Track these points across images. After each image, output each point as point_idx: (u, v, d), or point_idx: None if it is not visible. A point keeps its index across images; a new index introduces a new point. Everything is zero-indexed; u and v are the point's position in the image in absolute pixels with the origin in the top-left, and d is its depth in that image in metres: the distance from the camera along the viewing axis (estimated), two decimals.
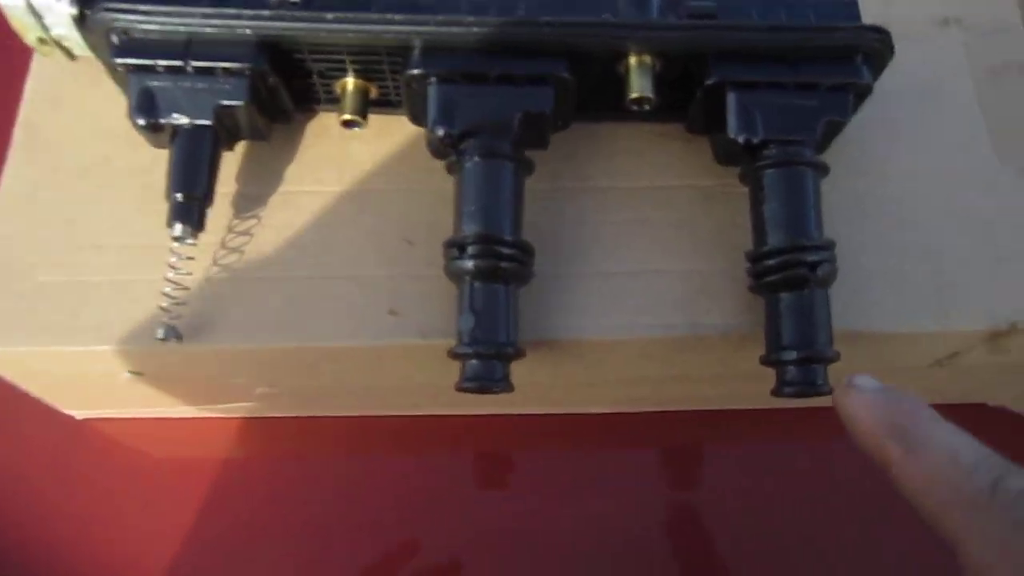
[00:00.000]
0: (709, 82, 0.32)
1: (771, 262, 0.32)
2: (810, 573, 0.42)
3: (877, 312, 0.34)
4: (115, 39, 0.32)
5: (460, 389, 0.31)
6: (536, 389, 0.39)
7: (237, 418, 0.43)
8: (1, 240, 0.34)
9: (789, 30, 0.32)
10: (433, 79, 0.32)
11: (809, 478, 0.43)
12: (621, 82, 0.33)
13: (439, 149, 0.33)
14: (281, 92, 0.34)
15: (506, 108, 0.32)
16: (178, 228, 0.32)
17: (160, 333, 0.32)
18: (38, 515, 0.41)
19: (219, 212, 0.34)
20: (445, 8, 0.32)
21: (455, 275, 0.31)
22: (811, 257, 0.31)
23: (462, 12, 0.32)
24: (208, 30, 0.31)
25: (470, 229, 0.31)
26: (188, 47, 0.32)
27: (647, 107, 0.33)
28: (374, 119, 0.35)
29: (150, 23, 0.31)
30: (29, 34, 0.34)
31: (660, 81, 0.33)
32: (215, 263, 0.34)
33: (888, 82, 0.34)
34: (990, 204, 0.37)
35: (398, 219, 0.35)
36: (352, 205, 0.35)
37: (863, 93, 0.33)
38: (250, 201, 0.35)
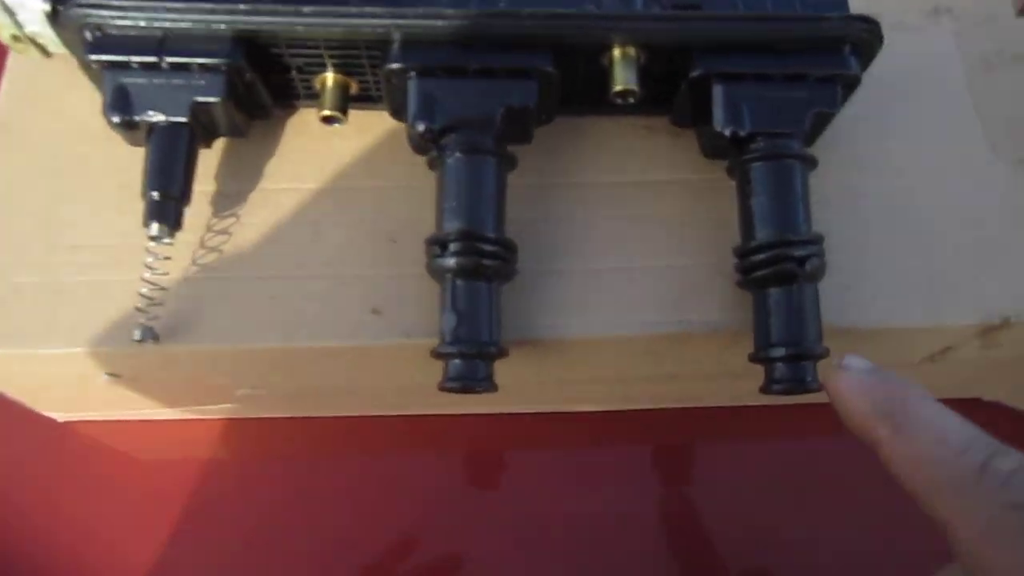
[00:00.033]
0: (694, 74, 0.32)
1: (758, 257, 0.31)
2: (802, 569, 0.42)
3: (867, 307, 0.34)
4: (88, 35, 0.31)
5: (443, 389, 0.30)
6: (524, 388, 0.39)
7: (221, 419, 0.43)
8: None
9: (775, 20, 0.32)
10: (413, 73, 0.31)
11: (801, 475, 0.43)
12: (605, 75, 0.32)
13: (420, 144, 0.33)
14: (259, 88, 0.33)
15: (488, 102, 0.31)
16: (154, 227, 0.31)
17: (137, 334, 0.31)
18: (19, 518, 0.41)
19: (197, 211, 0.33)
20: (425, 0, 0.31)
21: (437, 273, 0.31)
22: (799, 252, 0.30)
23: (442, 4, 0.31)
24: (183, 25, 0.31)
25: (452, 226, 0.31)
26: (163, 43, 0.31)
27: (632, 100, 0.32)
28: (355, 115, 0.35)
29: (124, 19, 0.31)
30: (3, 31, 0.33)
31: (645, 73, 0.32)
32: (193, 262, 0.33)
33: (878, 73, 0.34)
34: (982, 196, 0.36)
35: (381, 217, 0.34)
36: (333, 203, 0.35)
37: (852, 84, 0.33)
38: (229, 199, 0.35)
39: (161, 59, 0.31)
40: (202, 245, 0.34)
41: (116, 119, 0.31)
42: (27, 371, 0.35)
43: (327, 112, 0.33)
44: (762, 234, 0.31)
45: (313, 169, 0.35)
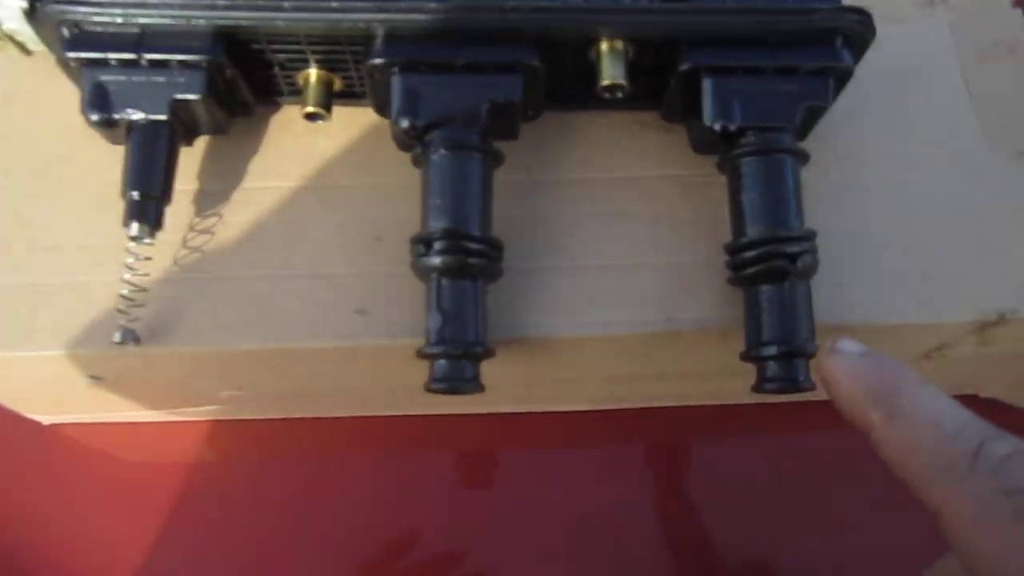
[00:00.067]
0: (684, 68, 0.31)
1: (750, 254, 0.30)
2: (795, 566, 0.41)
3: (861, 304, 0.33)
4: (66, 32, 0.31)
5: (429, 390, 0.30)
6: (514, 387, 0.38)
7: (207, 421, 0.42)
8: None
9: (766, 12, 0.31)
10: (396, 68, 0.31)
11: (793, 473, 0.43)
12: (593, 69, 0.32)
13: (404, 141, 0.32)
14: (240, 84, 0.33)
15: (473, 97, 0.31)
16: (135, 227, 0.31)
17: (117, 336, 0.31)
18: (3, 521, 0.40)
19: (179, 210, 0.33)
20: None
21: (422, 272, 0.30)
22: (791, 248, 0.30)
23: None
24: (162, 21, 0.30)
25: (437, 224, 0.30)
26: (141, 39, 0.31)
27: (620, 94, 0.32)
28: (339, 111, 0.34)
29: (102, 15, 0.30)
30: None
31: (633, 67, 0.32)
32: (175, 263, 0.33)
33: (871, 65, 0.33)
34: (978, 191, 0.35)
35: (366, 215, 0.34)
36: (318, 201, 0.34)
37: (844, 77, 0.32)
38: (211, 198, 0.34)
39: (140, 56, 0.30)
40: (184, 245, 0.33)
41: (95, 117, 0.31)
42: (8, 374, 0.34)
43: (310, 109, 0.33)
44: (753, 230, 0.31)
45: (296, 167, 0.35)
